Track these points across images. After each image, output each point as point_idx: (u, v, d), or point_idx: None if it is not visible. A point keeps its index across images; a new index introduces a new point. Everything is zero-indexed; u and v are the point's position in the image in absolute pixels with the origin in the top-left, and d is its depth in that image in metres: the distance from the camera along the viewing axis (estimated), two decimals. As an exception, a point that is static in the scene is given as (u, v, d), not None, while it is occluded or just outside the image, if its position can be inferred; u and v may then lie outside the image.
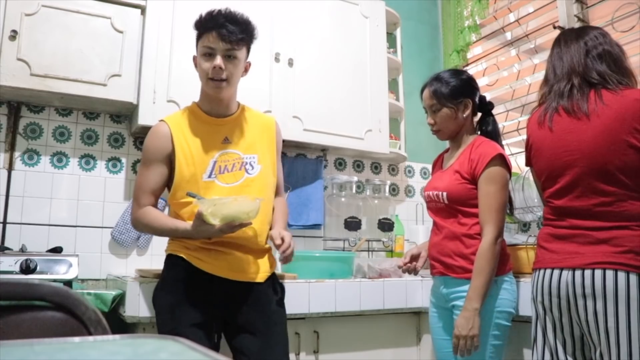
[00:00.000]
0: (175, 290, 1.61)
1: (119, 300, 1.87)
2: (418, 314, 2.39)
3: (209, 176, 1.64)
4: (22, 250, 2.00)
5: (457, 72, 1.91)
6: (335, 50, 2.69)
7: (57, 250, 2.08)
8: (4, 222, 2.16)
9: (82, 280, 2.21)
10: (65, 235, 2.25)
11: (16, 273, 1.83)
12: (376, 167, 3.08)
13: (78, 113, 2.37)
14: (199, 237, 1.57)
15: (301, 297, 2.06)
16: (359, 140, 2.69)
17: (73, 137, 2.34)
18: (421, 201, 3.18)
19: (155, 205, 1.66)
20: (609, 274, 1.39)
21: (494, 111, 1.96)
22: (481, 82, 3.05)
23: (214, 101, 1.69)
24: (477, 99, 1.87)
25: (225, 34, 1.57)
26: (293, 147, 2.66)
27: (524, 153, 1.73)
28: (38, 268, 1.86)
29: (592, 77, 1.52)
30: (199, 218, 1.46)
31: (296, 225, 2.66)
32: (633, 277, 1.37)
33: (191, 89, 2.25)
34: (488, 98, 2.03)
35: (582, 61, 1.55)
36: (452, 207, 1.77)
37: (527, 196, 2.35)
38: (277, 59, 2.49)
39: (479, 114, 1.92)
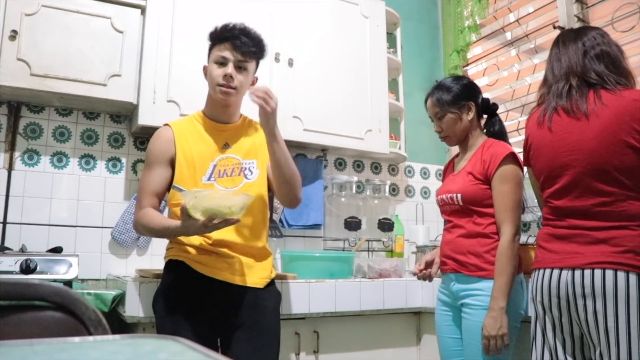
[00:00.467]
0: (176, 294, 1.62)
1: (119, 300, 1.87)
2: (418, 314, 2.39)
3: (209, 179, 1.66)
4: (22, 250, 2.00)
5: (458, 78, 1.95)
6: (335, 50, 2.69)
7: (57, 250, 2.08)
8: (4, 222, 2.16)
9: (82, 280, 2.21)
10: (65, 235, 2.25)
11: (16, 273, 1.83)
12: (376, 167, 3.08)
13: (78, 113, 2.37)
14: (188, 234, 1.57)
15: (301, 297, 2.06)
16: (359, 140, 2.69)
17: (73, 137, 2.34)
18: (421, 201, 3.18)
19: (156, 208, 1.67)
20: (609, 273, 1.39)
21: (494, 111, 1.97)
22: (481, 82, 3.05)
23: (219, 108, 1.72)
24: (479, 101, 1.89)
25: (239, 45, 1.64)
26: (293, 147, 2.66)
27: (523, 153, 1.73)
28: (38, 268, 1.86)
29: (590, 78, 1.52)
30: (183, 212, 1.45)
31: (296, 225, 2.66)
32: (633, 277, 1.37)
33: (191, 89, 2.26)
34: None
35: (580, 62, 1.55)
36: (467, 208, 1.78)
37: (528, 196, 2.35)
38: (277, 59, 2.49)
39: (485, 116, 1.94)
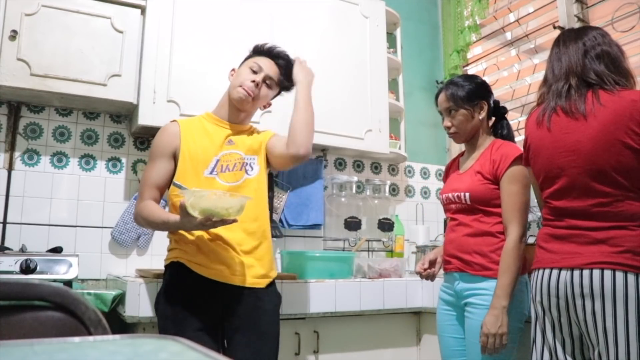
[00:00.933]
0: (178, 296, 1.62)
1: (119, 300, 1.87)
2: (418, 314, 2.39)
3: (211, 173, 1.67)
4: (22, 250, 2.00)
5: (472, 77, 1.93)
6: (335, 50, 2.69)
7: (57, 250, 2.08)
8: (4, 222, 2.16)
9: (82, 280, 2.21)
10: (65, 235, 2.25)
11: (16, 273, 1.83)
12: (376, 167, 3.08)
13: (78, 113, 2.37)
14: (187, 229, 1.58)
15: (301, 297, 2.06)
16: (359, 140, 2.69)
17: (73, 137, 2.34)
18: (421, 201, 3.18)
19: (157, 200, 1.68)
20: (607, 274, 1.39)
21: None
22: (481, 82, 3.05)
23: (232, 109, 1.77)
24: (492, 102, 1.89)
25: (277, 65, 1.78)
26: (293, 147, 2.66)
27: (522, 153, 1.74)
28: (38, 268, 1.86)
29: (589, 78, 1.52)
30: (182, 209, 1.47)
31: (296, 225, 2.67)
32: (631, 277, 1.37)
33: (191, 89, 2.26)
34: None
35: (580, 61, 1.55)
36: (474, 207, 1.78)
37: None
38: (277, 59, 2.49)
39: (493, 118, 1.94)
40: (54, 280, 1.57)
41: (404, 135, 3.06)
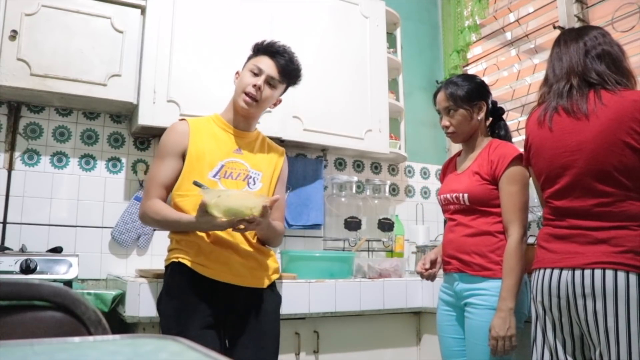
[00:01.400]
0: (180, 296, 1.62)
1: (119, 300, 1.87)
2: (418, 314, 2.39)
3: (214, 176, 1.67)
4: (22, 250, 2.00)
5: (471, 76, 1.93)
6: (335, 50, 2.69)
7: (57, 250, 2.08)
8: (4, 222, 2.16)
9: (82, 280, 2.21)
10: (65, 235, 2.25)
11: (16, 273, 1.83)
12: (376, 167, 3.08)
13: (78, 113, 2.37)
14: (202, 229, 1.58)
15: (301, 297, 2.06)
16: (359, 140, 2.69)
17: (73, 137, 2.34)
18: (421, 201, 3.18)
19: (164, 200, 1.68)
20: (609, 273, 1.39)
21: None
22: (481, 82, 3.05)
23: (239, 116, 1.76)
24: (490, 102, 1.89)
25: (277, 63, 1.73)
26: (293, 147, 2.66)
27: (523, 153, 1.73)
28: (38, 268, 1.86)
29: (591, 77, 1.52)
30: (202, 208, 1.47)
31: (296, 225, 2.66)
32: (633, 277, 1.37)
33: (191, 89, 2.26)
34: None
35: (581, 61, 1.55)
36: (472, 208, 1.78)
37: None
38: (277, 59, 2.49)
39: (490, 119, 1.94)
40: (54, 280, 1.57)
41: (404, 135, 3.06)
